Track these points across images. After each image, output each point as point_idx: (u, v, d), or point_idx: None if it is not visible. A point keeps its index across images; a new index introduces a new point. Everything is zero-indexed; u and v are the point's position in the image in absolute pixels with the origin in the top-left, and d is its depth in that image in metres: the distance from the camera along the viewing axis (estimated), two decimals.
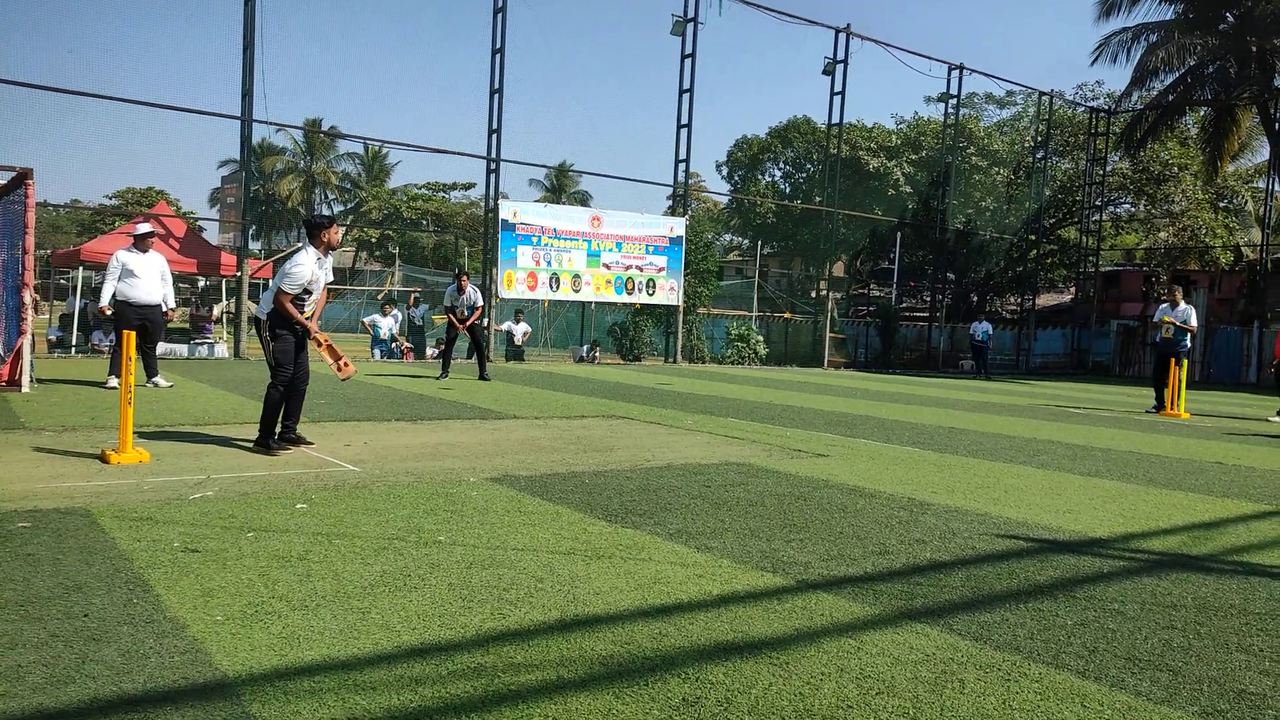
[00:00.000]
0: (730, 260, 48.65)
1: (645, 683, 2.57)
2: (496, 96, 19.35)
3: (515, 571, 3.61)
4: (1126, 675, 2.79)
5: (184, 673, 2.50)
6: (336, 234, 6.57)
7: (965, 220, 31.09)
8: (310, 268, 6.30)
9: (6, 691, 2.34)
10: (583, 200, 45.69)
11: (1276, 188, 28.28)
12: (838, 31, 23.74)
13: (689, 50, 21.44)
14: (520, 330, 21.24)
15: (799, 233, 41.22)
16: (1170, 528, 5.07)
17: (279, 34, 29.59)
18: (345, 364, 6.72)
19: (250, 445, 6.35)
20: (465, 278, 13.54)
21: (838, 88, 24.33)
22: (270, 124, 17.85)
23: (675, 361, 21.88)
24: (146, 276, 10.05)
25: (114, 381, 9.90)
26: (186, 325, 20.91)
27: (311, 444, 6.54)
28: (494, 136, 19.41)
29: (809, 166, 44.22)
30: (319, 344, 6.50)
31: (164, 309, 10.35)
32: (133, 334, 5.97)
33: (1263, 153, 31.48)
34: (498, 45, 19.24)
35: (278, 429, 6.37)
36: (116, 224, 32.18)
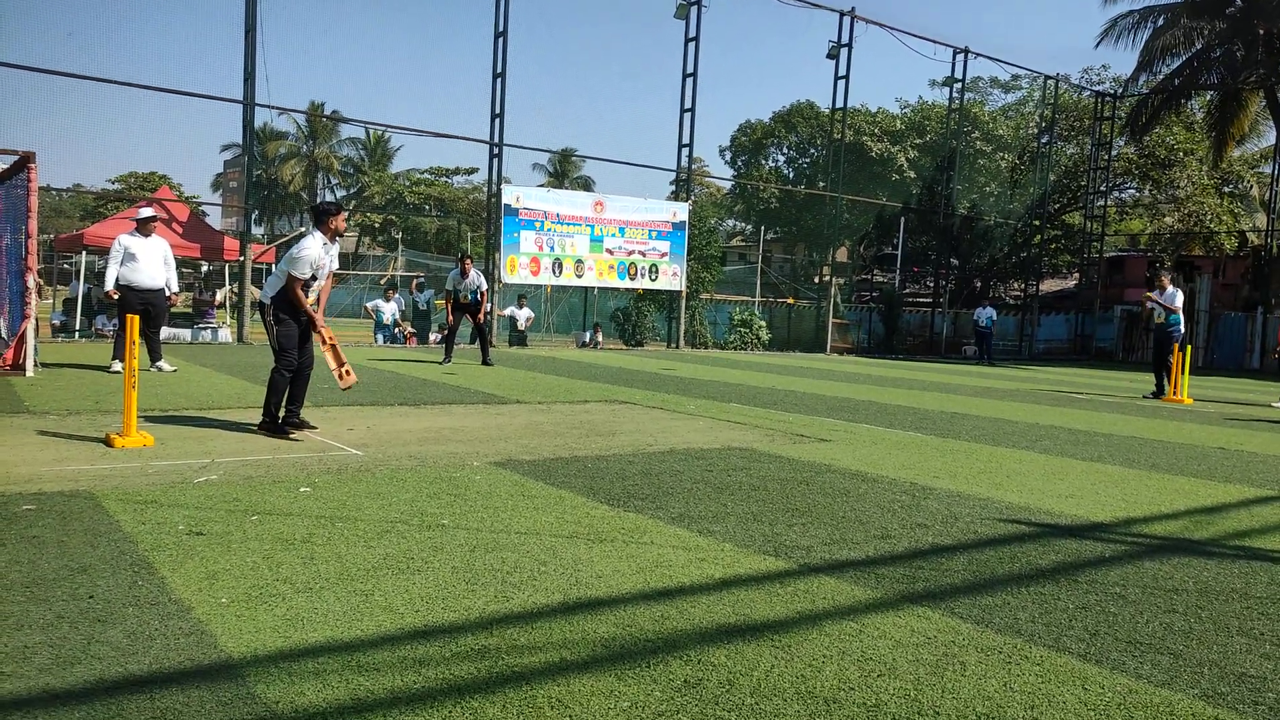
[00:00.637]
0: (733, 245, 48.53)
1: (647, 664, 2.58)
2: (499, 81, 19.27)
3: (518, 555, 3.62)
4: (1128, 658, 2.79)
5: (189, 654, 2.52)
6: (342, 221, 6.59)
7: (969, 205, 30.97)
8: (317, 252, 6.30)
9: (14, 672, 2.36)
10: (586, 185, 45.56)
11: None
12: (842, 15, 23.59)
13: (693, 34, 21.33)
14: (523, 315, 21.23)
15: (802, 218, 41.10)
16: (1172, 512, 5.07)
17: (281, 17, 29.43)
18: (347, 372, 6.60)
19: (255, 428, 6.37)
20: (468, 262, 13.44)
21: (841, 72, 24.20)
22: (272, 108, 17.82)
23: (678, 347, 21.88)
24: (149, 261, 10.06)
25: (118, 366, 9.92)
26: (189, 310, 20.93)
27: (315, 428, 6.56)
28: (497, 121, 19.34)
29: (813, 151, 44.04)
30: (323, 341, 6.49)
31: (167, 293, 10.36)
32: (136, 318, 5.98)
33: (1269, 137, 31.33)
34: (500, 29, 19.15)
35: (281, 413, 6.38)
36: (119, 208, 32.17)
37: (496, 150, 19.41)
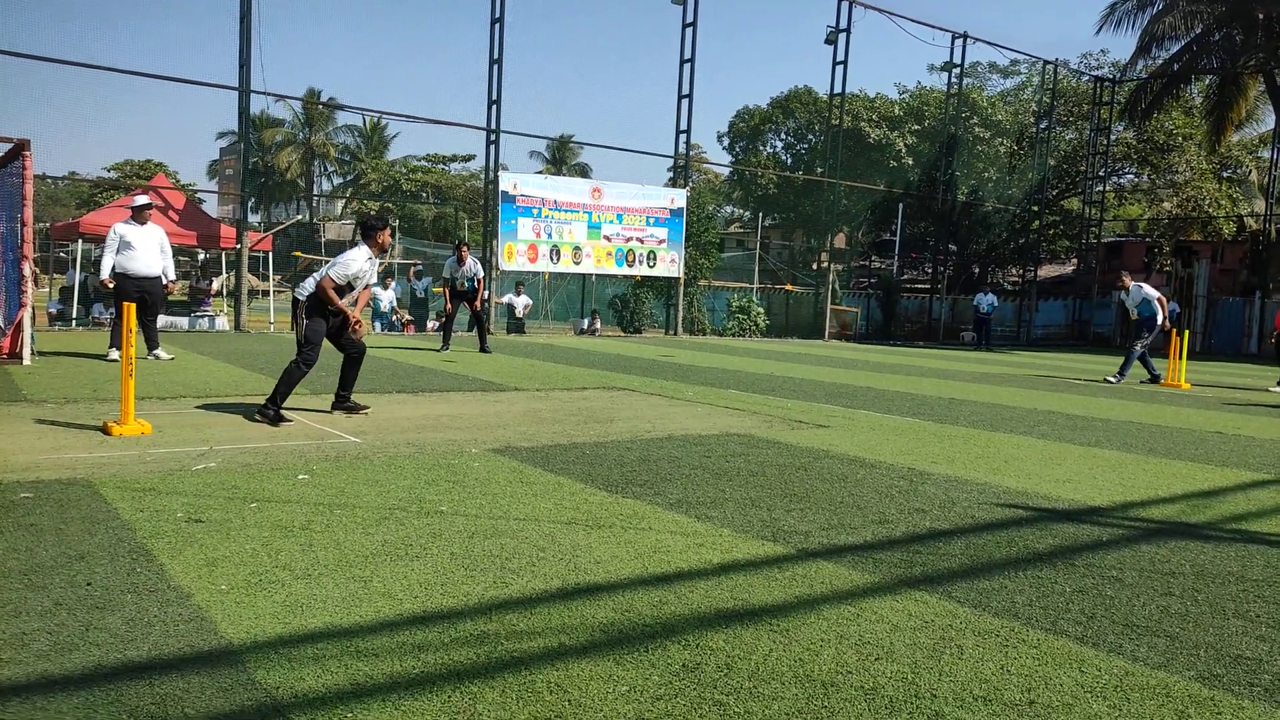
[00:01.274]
0: (731, 232, 48.47)
1: (646, 649, 2.59)
2: (496, 67, 19.18)
3: (517, 541, 3.63)
4: (1124, 641, 2.80)
5: (189, 640, 2.52)
6: (389, 236, 7.06)
7: (968, 191, 30.91)
8: (361, 264, 6.68)
9: (11, 658, 2.36)
10: (583, 172, 45.43)
11: None
12: None
13: (690, 19, 21.23)
14: (521, 303, 21.20)
15: (800, 204, 41.03)
16: (1169, 496, 5.08)
17: (276, 3, 29.25)
18: (358, 326, 6.84)
19: (256, 414, 6.38)
20: (465, 249, 13.39)
21: (840, 57, 24.11)
22: (268, 95, 17.67)
23: (676, 334, 21.87)
24: (145, 249, 10.02)
25: (115, 354, 9.91)
26: (186, 298, 20.88)
27: (368, 409, 6.95)
28: (494, 108, 19.27)
29: (810, 137, 43.92)
30: (354, 322, 6.77)
31: (164, 281, 10.33)
32: (132, 306, 5.97)
33: (1268, 121, 31.23)
34: (497, 15, 19.05)
35: (283, 403, 6.41)
36: (115, 196, 32.04)
37: (494, 137, 19.34)
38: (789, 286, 28.29)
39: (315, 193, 58.17)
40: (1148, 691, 2.45)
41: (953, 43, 26.18)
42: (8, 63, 14.20)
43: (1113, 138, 31.54)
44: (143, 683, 2.25)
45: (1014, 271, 33.22)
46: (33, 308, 9.81)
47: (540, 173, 38.53)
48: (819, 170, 30.62)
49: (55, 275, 22.62)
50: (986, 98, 41.73)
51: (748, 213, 47.97)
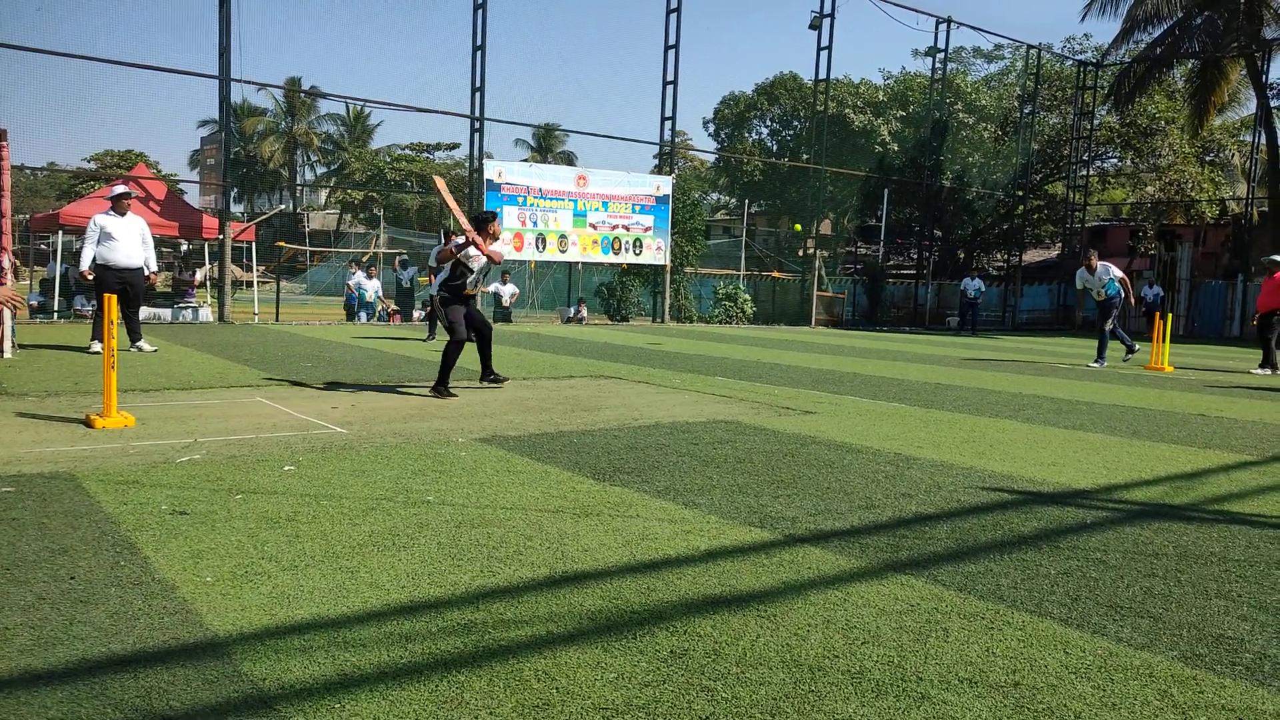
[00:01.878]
0: (717, 219, 48.40)
1: (633, 636, 2.59)
2: (479, 54, 19.06)
3: (504, 530, 3.62)
4: (1108, 622, 2.83)
5: (174, 633, 2.51)
6: (498, 225, 8.06)
7: (953, 176, 30.98)
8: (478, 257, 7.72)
9: None
10: (568, 160, 45.27)
11: (1262, 141, 28.27)
12: None
13: (674, 4, 21.14)
14: (508, 291, 21.14)
15: (786, 191, 41.02)
16: (1153, 478, 5.12)
17: None
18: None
19: (428, 391, 7.53)
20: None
21: (824, 42, 24.09)
22: (249, 83, 17.62)
23: (663, 321, 21.87)
24: (126, 239, 9.93)
25: (97, 346, 9.82)
26: (169, 289, 20.71)
27: (506, 379, 8.38)
28: (477, 95, 19.16)
29: (796, 124, 43.87)
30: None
31: (146, 273, 10.24)
32: (114, 298, 5.91)
33: (1249, 106, 31.38)
34: (479, 1, 18.90)
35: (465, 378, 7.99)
36: (95, 187, 31.72)
37: (478, 125, 19.23)
38: (775, 273, 28.31)
39: (298, 182, 57.75)
40: (1131, 672, 2.47)
41: (936, 27, 26.22)
42: None
43: (1096, 122, 31.65)
44: (128, 676, 2.24)
45: (999, 256, 33.35)
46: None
47: (525, 161, 38.33)
48: (804, 157, 30.60)
49: (36, 267, 22.41)
50: (970, 83, 41.77)
51: (734, 200, 47.93)
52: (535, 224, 19.42)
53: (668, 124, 21.87)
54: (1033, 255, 34.37)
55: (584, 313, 22.88)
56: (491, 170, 19.01)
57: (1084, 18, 44.40)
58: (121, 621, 2.57)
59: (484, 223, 7.73)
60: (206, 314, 17.51)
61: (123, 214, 10.02)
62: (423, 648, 2.46)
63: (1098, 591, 3.11)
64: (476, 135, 19.32)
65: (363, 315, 19.73)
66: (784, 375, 10.26)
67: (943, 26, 26.16)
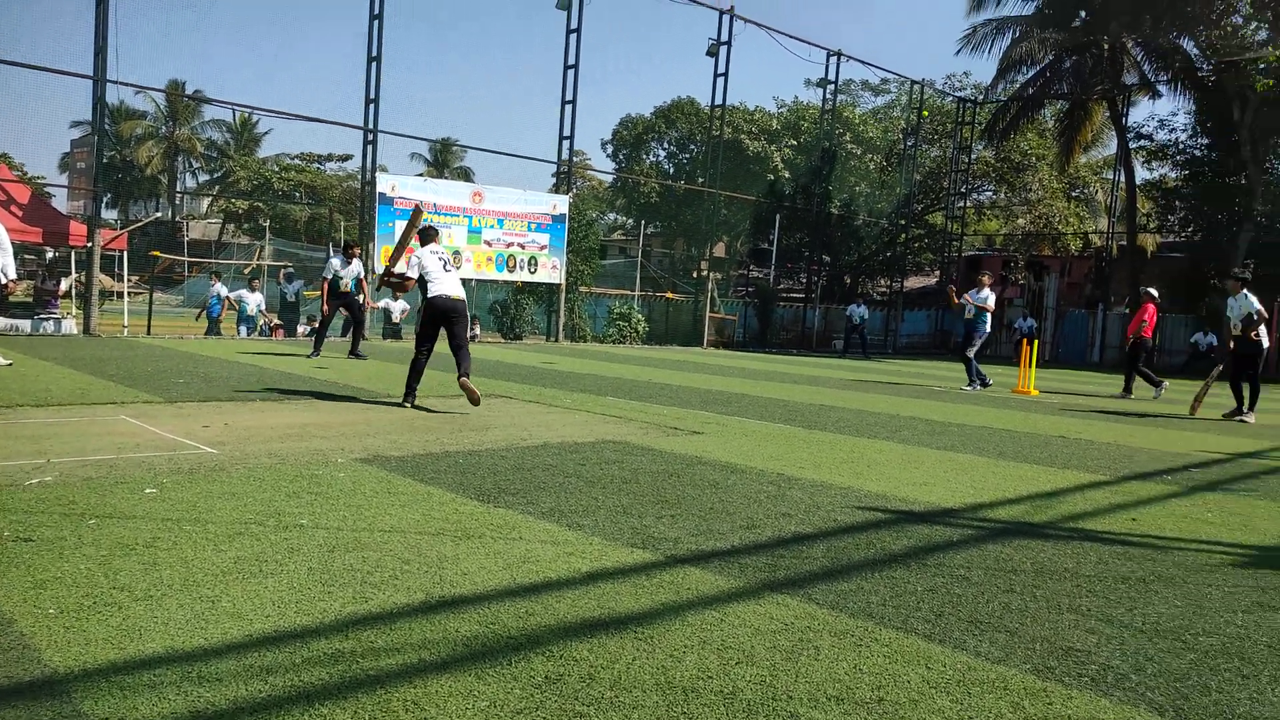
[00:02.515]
0: (613, 239, 48.69)
1: (508, 662, 2.56)
2: (374, 65, 18.69)
3: (380, 554, 3.52)
4: (968, 637, 2.95)
5: (7, 670, 2.33)
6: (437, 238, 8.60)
7: (841, 204, 32.07)
8: (429, 259, 8.13)
9: None
10: (465, 176, 44.75)
11: (1122, 179, 30.32)
12: (721, 13, 23.96)
13: (574, 25, 21.25)
14: (398, 308, 20.68)
15: (682, 213, 41.60)
16: (1015, 497, 5.39)
17: None
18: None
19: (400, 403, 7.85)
20: (356, 249, 13.75)
21: (721, 69, 24.60)
22: (126, 85, 16.72)
23: (557, 340, 21.80)
24: None
25: None
26: (30, 299, 19.44)
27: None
28: (371, 106, 18.77)
29: (692, 147, 44.63)
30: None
31: (2, 281, 9.59)
32: None
33: (1111, 145, 33.66)
34: (375, 11, 18.57)
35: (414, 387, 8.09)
36: None
37: (371, 137, 18.84)
38: (669, 294, 28.63)
39: (178, 189, 55.20)
40: (987, 685, 2.58)
41: (828, 60, 27.14)
42: None
43: (973, 156, 33.32)
44: None
45: (882, 282, 34.62)
46: None
47: (421, 175, 37.74)
48: (700, 180, 31.13)
49: None
50: (859, 114, 43.40)
51: (630, 220, 48.32)
52: None
53: (566, 143, 21.92)
54: (914, 282, 35.83)
55: (477, 330, 22.58)
56: (385, 184, 18.63)
57: (958, 51, 46.74)
58: None
59: (431, 234, 8.62)
60: (71, 326, 16.50)
61: None
62: (285, 680, 2.36)
63: (960, 608, 3.24)
64: (370, 147, 18.92)
65: (243, 330, 18.96)
66: (674, 396, 10.37)
67: (833, 59, 27.11)
